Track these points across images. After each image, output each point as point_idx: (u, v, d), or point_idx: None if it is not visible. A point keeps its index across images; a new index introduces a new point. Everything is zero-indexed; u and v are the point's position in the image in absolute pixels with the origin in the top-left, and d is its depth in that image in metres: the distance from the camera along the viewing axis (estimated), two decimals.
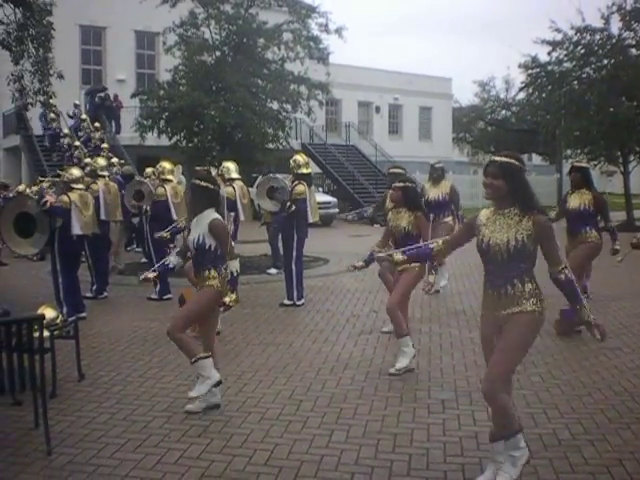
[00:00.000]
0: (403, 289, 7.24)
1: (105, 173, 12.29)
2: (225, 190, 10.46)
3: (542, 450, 5.09)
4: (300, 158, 10.95)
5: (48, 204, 9.44)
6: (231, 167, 11.65)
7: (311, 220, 10.88)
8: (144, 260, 12.40)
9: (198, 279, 6.20)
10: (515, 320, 4.37)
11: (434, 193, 11.50)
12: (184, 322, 6.13)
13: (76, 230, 9.64)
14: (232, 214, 9.69)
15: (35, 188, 14.79)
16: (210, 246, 6.02)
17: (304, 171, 10.78)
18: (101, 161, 12.88)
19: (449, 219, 11.39)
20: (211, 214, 6.08)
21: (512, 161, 4.43)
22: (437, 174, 11.68)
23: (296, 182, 10.70)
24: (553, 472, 4.74)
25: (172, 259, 6.43)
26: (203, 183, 6.17)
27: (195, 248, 6.05)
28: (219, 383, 6.09)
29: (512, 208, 4.40)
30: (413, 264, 6.89)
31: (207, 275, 6.05)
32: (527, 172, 4.53)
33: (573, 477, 4.66)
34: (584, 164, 9.38)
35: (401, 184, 7.40)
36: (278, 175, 11.63)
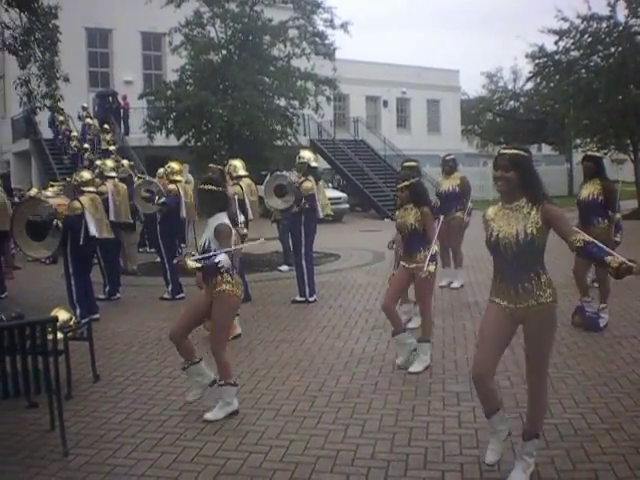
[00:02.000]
0: (426, 292, 7.23)
1: (113, 174, 12.31)
2: (233, 189, 10.45)
3: (558, 440, 5.07)
4: (306, 154, 10.95)
5: (59, 223, 9.41)
6: (238, 165, 11.63)
7: (321, 215, 10.88)
8: (158, 260, 12.42)
9: (208, 286, 5.99)
10: (538, 313, 4.39)
11: (445, 185, 11.52)
12: (224, 338, 6.06)
13: (94, 232, 9.62)
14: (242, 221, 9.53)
15: (49, 192, 14.81)
16: (216, 250, 5.88)
17: (312, 164, 10.79)
18: (109, 163, 12.91)
19: (459, 213, 11.36)
20: (220, 218, 6.00)
21: (521, 152, 4.45)
22: (449, 166, 11.67)
23: (303, 179, 10.70)
24: (570, 462, 4.72)
25: (222, 257, 5.85)
26: (207, 187, 6.08)
27: (202, 253, 5.95)
28: (214, 382, 6.09)
29: (520, 201, 4.40)
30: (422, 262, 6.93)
31: (220, 279, 5.88)
32: (536, 163, 4.50)
33: (590, 467, 4.65)
34: (596, 153, 9.32)
35: (406, 183, 7.30)
36: (285, 172, 11.59)
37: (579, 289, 8.56)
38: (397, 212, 7.52)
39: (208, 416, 5.85)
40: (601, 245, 4.26)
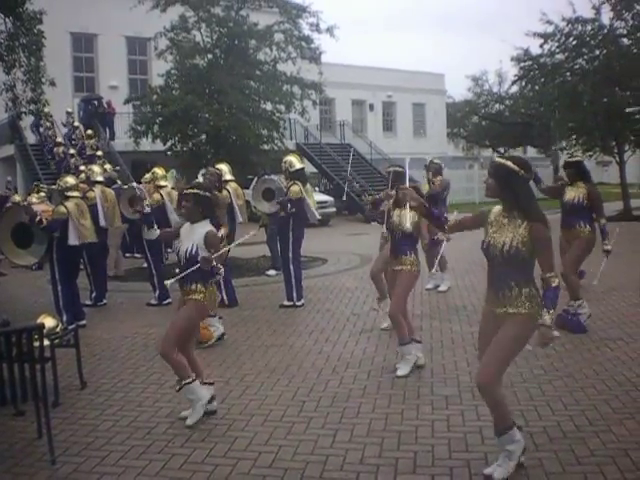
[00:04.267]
0: (402, 293, 7.21)
1: (100, 179, 12.26)
2: (221, 194, 10.43)
3: (547, 443, 5.08)
4: (291, 158, 10.96)
5: (44, 221, 9.36)
6: (224, 169, 11.60)
7: (317, 217, 10.93)
8: (145, 265, 12.38)
9: (183, 292, 6.06)
10: (511, 320, 4.48)
11: (430, 188, 11.55)
12: (175, 341, 5.97)
13: (72, 241, 9.60)
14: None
15: (34, 199, 14.74)
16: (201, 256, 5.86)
17: (297, 167, 10.77)
18: (96, 168, 12.86)
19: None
20: (206, 225, 6.01)
21: (507, 163, 4.49)
22: (434, 169, 11.76)
23: (291, 183, 10.69)
24: (559, 464, 4.73)
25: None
26: (196, 191, 6.05)
27: (187, 259, 5.92)
28: (212, 398, 6.06)
29: (514, 212, 4.48)
30: (408, 265, 7.05)
31: (193, 288, 5.96)
32: (527, 179, 4.50)
33: (579, 469, 4.65)
34: (576, 158, 9.34)
35: (410, 185, 7.31)
36: (273, 176, 11.59)
37: (570, 291, 8.52)
38: (393, 212, 7.46)
39: (187, 422, 5.84)
40: (556, 301, 4.46)
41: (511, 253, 4.40)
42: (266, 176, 11.63)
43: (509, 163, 4.47)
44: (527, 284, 4.48)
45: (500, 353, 4.50)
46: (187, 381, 5.91)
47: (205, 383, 6.13)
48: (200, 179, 10.92)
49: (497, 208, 4.66)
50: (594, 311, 8.79)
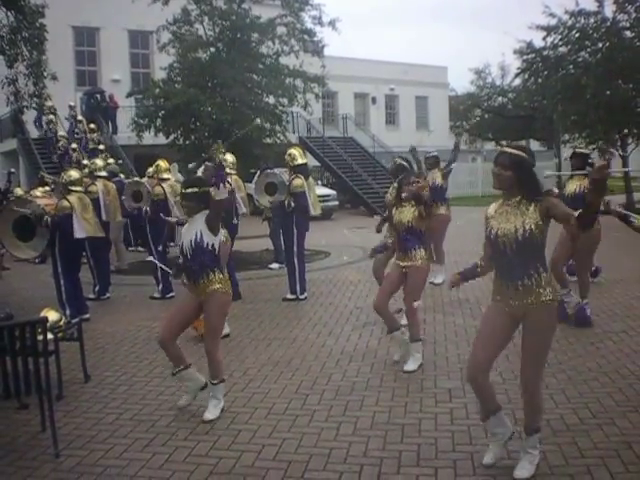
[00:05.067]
0: (416, 290, 7.20)
1: (103, 174, 12.26)
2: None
3: (551, 436, 5.08)
4: (294, 151, 10.95)
5: (49, 220, 9.35)
6: (228, 159, 11.54)
7: (313, 213, 10.88)
8: (149, 259, 12.36)
9: (199, 287, 5.89)
10: (537, 311, 4.40)
11: (429, 180, 11.55)
12: (217, 339, 6.01)
13: (79, 234, 9.60)
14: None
15: (37, 192, 14.72)
16: (208, 244, 5.83)
17: (300, 161, 10.76)
18: (99, 162, 12.87)
19: (443, 209, 11.44)
20: (205, 212, 5.92)
21: (522, 154, 4.46)
22: (429, 163, 11.84)
23: (293, 176, 10.69)
24: (562, 457, 4.73)
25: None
26: (190, 190, 5.94)
27: (193, 248, 5.83)
28: (205, 386, 6.07)
29: (519, 197, 4.42)
30: (419, 260, 7.06)
31: (210, 279, 5.83)
32: (533, 164, 4.50)
33: (583, 462, 4.66)
34: (584, 150, 9.35)
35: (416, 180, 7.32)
36: (276, 170, 11.56)
37: (556, 279, 8.49)
38: (393, 210, 7.44)
39: (207, 416, 5.82)
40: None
41: (526, 237, 4.32)
42: (268, 170, 11.61)
43: (522, 153, 4.45)
44: (544, 268, 4.43)
45: (538, 350, 4.48)
46: (222, 378, 5.98)
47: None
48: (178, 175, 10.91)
49: (493, 204, 4.61)
50: (597, 304, 8.79)
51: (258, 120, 15.93)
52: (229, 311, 6.70)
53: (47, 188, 15.72)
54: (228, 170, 11.45)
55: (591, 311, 8.41)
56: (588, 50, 24.18)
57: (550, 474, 4.53)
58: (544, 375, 6.39)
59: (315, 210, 10.94)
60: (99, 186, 11.72)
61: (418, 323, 7.24)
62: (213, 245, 5.88)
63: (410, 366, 6.99)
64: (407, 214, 7.13)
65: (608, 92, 22.88)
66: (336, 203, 28.00)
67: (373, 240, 9.51)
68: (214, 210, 5.86)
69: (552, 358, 6.97)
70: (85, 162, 13.67)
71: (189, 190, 5.97)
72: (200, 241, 5.83)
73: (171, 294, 11.23)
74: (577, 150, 9.18)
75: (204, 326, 6.14)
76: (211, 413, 5.85)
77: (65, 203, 9.62)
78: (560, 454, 4.78)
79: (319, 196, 13.02)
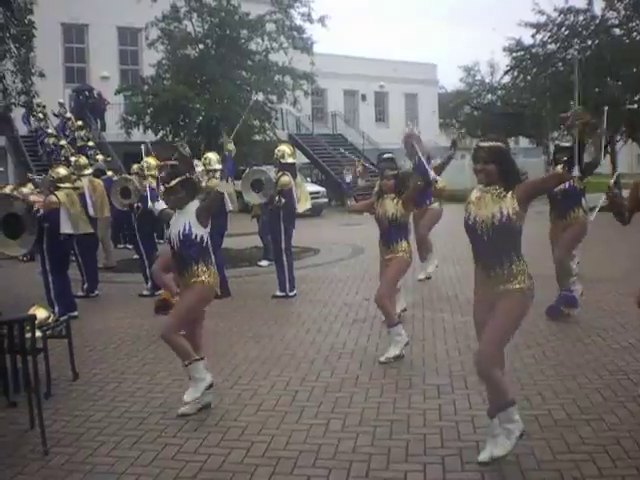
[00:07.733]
0: (391, 279, 7.27)
1: (88, 171, 12.24)
2: (211, 182, 10.42)
3: (538, 431, 5.10)
4: (285, 148, 10.94)
5: (40, 211, 9.32)
6: (213, 158, 11.54)
7: (299, 210, 10.88)
8: (136, 257, 12.35)
9: (184, 278, 5.92)
10: (505, 298, 4.46)
11: None
12: (178, 323, 5.95)
13: (66, 229, 9.58)
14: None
15: (26, 190, 14.66)
16: (197, 236, 5.83)
17: (289, 160, 10.76)
18: (83, 160, 12.85)
19: (436, 204, 11.42)
20: (196, 204, 5.93)
21: (498, 144, 4.53)
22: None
23: (280, 173, 10.69)
24: (550, 453, 4.75)
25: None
26: (174, 182, 5.90)
27: (180, 240, 5.83)
28: (211, 386, 6.01)
29: (497, 185, 4.48)
30: (400, 252, 7.11)
31: (195, 270, 5.84)
32: (513, 155, 4.57)
33: (570, 457, 4.67)
34: (567, 144, 9.33)
35: (394, 172, 7.38)
36: (263, 167, 11.56)
37: (565, 272, 8.50)
38: (375, 204, 7.49)
39: (186, 398, 5.79)
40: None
41: (503, 222, 4.38)
42: (255, 167, 11.60)
43: (497, 142, 4.52)
44: (517, 258, 4.48)
45: (497, 332, 4.50)
46: (192, 358, 5.87)
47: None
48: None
49: (475, 190, 4.63)
50: (585, 301, 8.80)
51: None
52: (210, 307, 6.66)
53: (33, 188, 15.66)
54: (216, 167, 11.47)
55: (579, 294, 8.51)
56: (577, 47, 24.26)
57: (538, 469, 4.54)
58: (532, 371, 6.46)
59: (304, 206, 10.95)
60: (84, 182, 11.70)
61: (390, 310, 7.23)
62: (202, 237, 5.89)
63: (392, 352, 7.04)
64: (390, 206, 7.21)
65: (597, 89, 22.97)
66: (325, 200, 28.04)
67: (362, 237, 9.52)
68: (212, 201, 5.87)
69: (539, 354, 7.03)
70: (72, 159, 13.61)
71: (173, 182, 5.94)
72: (189, 232, 5.83)
73: (160, 292, 11.19)
74: (561, 144, 9.18)
75: (174, 308, 6.09)
76: (188, 394, 5.82)
77: (53, 198, 9.60)
78: (548, 449, 4.79)
79: (309, 193, 13.01)
